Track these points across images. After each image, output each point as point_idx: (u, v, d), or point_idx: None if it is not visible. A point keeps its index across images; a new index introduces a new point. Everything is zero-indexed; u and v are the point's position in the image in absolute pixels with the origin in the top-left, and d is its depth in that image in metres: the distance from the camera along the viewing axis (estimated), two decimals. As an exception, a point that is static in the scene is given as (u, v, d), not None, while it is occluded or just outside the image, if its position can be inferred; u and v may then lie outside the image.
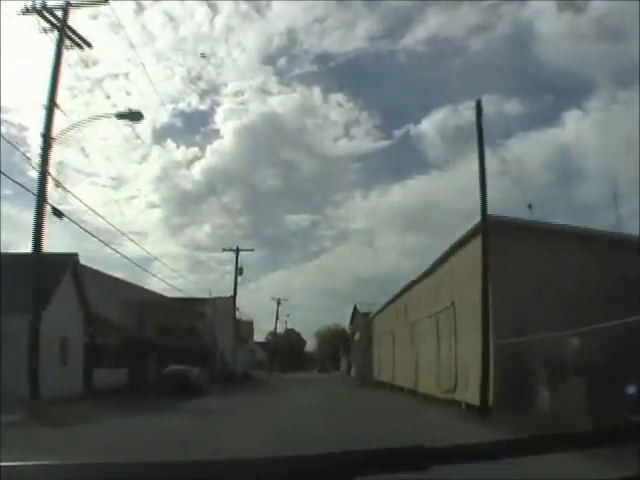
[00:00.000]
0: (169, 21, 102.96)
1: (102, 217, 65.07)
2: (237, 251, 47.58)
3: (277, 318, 77.20)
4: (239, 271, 47.28)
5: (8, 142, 17.98)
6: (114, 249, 41.50)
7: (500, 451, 1.35)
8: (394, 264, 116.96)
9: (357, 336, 57.53)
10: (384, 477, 1.23)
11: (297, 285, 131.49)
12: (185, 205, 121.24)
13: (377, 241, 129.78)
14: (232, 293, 50.33)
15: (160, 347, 39.99)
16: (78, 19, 18.76)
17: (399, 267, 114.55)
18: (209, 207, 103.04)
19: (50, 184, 17.34)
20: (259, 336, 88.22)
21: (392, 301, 34.30)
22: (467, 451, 1.34)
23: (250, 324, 65.17)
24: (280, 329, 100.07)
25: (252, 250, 49.69)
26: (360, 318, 54.08)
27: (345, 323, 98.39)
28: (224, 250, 48.19)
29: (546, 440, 1.47)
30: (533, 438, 1.46)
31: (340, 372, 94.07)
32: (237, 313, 61.78)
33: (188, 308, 49.71)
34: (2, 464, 1.10)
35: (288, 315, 79.62)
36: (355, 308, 59.60)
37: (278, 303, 76.79)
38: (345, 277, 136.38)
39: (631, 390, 9.98)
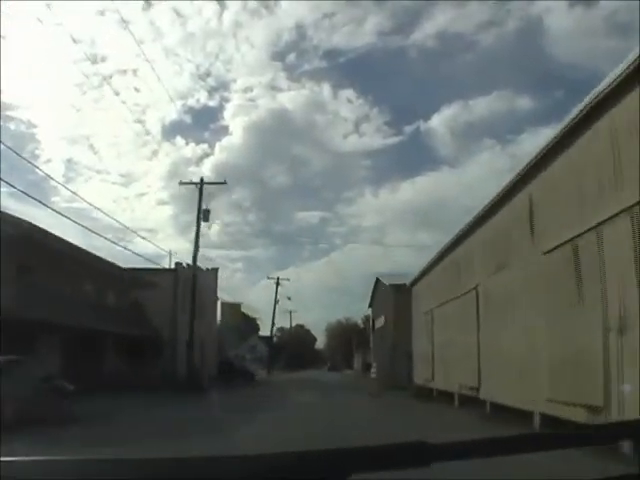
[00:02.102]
0: (177, 17, 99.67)
1: (104, 212, 49.63)
2: (201, 184, 30.17)
3: (276, 302, 59.96)
4: (203, 215, 29.87)
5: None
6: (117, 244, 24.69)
7: (502, 448, 1.28)
8: (405, 261, 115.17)
9: (381, 321, 40.00)
10: (383, 474, 1.14)
11: (308, 282, 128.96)
12: (194, 202, 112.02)
13: (388, 238, 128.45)
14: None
15: (68, 331, 23.05)
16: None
17: (410, 264, 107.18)
18: (218, 204, 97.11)
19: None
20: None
21: (468, 233, 16.76)
22: (469, 447, 1.25)
23: (238, 307, 48.00)
24: (289, 325, 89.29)
25: (224, 183, 32.14)
26: (387, 293, 36.61)
27: (357, 319, 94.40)
28: (182, 183, 30.67)
29: (547, 437, 1.44)
30: (535, 435, 1.49)
31: (353, 371, 79.30)
32: (215, 290, 44.55)
33: (127, 276, 32.60)
34: (2, 459, 1.06)
35: (289, 298, 62.96)
36: (377, 282, 42.04)
37: (277, 283, 59.60)
38: (356, 274, 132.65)
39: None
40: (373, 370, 45.40)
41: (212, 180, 31.47)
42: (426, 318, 22.97)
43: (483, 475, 2.25)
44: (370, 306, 48.52)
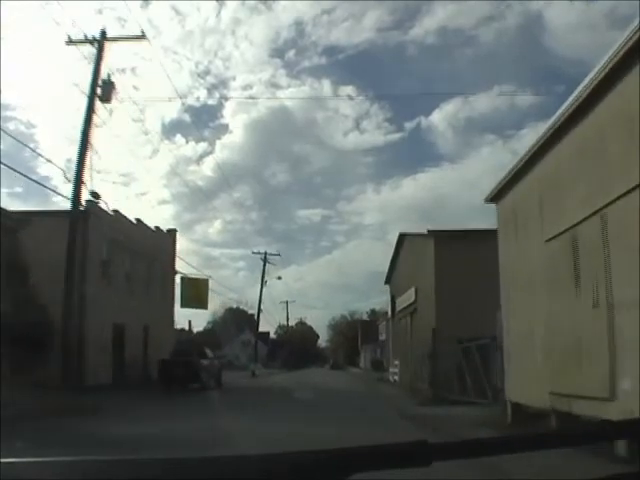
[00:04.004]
0: (176, 15, 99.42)
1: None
2: (100, 42, 16.27)
3: (264, 282, 46.53)
4: (102, 90, 16.06)
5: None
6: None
7: (502, 447, 1.28)
8: None
9: (409, 297, 26.07)
10: (384, 473, 1.12)
11: (310, 281, 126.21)
12: (196, 201, 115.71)
13: (390, 236, 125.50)
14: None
15: None
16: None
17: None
18: (220, 203, 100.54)
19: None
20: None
21: None
22: (469, 447, 1.26)
23: (204, 284, 34.15)
24: (286, 317, 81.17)
25: (142, 37, 18.17)
26: (423, 249, 22.76)
27: (363, 313, 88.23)
28: (70, 43, 16.64)
29: (548, 436, 1.42)
30: (535, 434, 1.35)
31: (360, 370, 66.25)
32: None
33: (8, 223, 18.96)
34: (2, 460, 1.05)
35: (279, 278, 49.54)
36: (402, 239, 28.04)
37: (264, 260, 46.01)
38: (358, 272, 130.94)
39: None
40: (393, 370, 31.56)
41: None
42: (561, 250, 9.20)
43: (485, 471, 2.17)
44: (387, 282, 34.61)
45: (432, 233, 21.34)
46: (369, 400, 20.56)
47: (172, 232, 33.50)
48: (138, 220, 28.79)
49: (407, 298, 26.29)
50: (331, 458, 1.13)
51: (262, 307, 45.99)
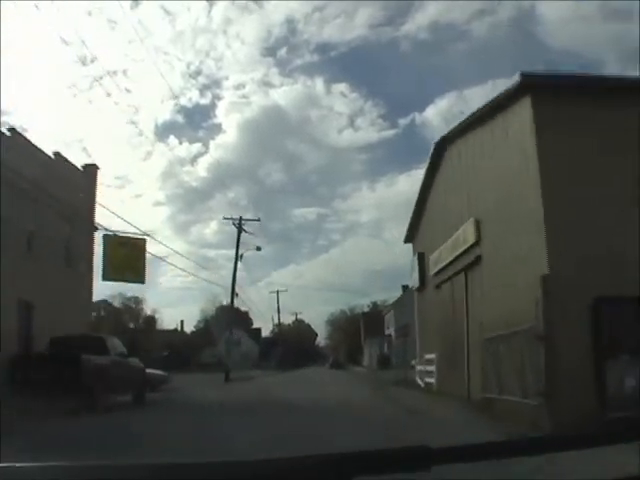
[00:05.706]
0: (166, 15, 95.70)
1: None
2: None
3: (239, 256, 35.46)
4: None
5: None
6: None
7: (503, 451, 1.27)
8: (405, 256, 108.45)
9: (463, 239, 14.83)
10: (385, 477, 1.11)
11: (309, 280, 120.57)
12: (191, 202, 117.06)
13: (387, 233, 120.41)
14: None
15: None
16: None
17: (410, 259, 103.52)
18: (215, 203, 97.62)
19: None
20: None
21: None
22: (470, 451, 1.24)
23: (141, 245, 22.92)
24: (288, 320, 78.03)
25: None
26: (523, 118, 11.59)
27: (364, 307, 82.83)
28: None
29: (549, 440, 1.41)
30: (536, 438, 1.35)
31: (364, 368, 58.43)
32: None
33: None
34: (1, 465, 1.03)
35: (259, 248, 38.03)
36: (443, 144, 16.71)
37: (239, 227, 34.78)
38: (356, 271, 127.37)
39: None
40: (423, 369, 20.30)
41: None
42: None
43: (486, 476, 2.14)
44: (408, 240, 23.43)
45: (527, 81, 10.09)
46: (404, 435, 9.29)
47: (90, 168, 22.21)
48: (13, 131, 17.60)
49: (458, 243, 15.09)
50: (332, 463, 1.11)
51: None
